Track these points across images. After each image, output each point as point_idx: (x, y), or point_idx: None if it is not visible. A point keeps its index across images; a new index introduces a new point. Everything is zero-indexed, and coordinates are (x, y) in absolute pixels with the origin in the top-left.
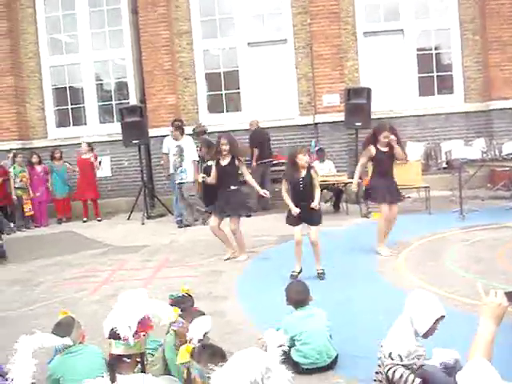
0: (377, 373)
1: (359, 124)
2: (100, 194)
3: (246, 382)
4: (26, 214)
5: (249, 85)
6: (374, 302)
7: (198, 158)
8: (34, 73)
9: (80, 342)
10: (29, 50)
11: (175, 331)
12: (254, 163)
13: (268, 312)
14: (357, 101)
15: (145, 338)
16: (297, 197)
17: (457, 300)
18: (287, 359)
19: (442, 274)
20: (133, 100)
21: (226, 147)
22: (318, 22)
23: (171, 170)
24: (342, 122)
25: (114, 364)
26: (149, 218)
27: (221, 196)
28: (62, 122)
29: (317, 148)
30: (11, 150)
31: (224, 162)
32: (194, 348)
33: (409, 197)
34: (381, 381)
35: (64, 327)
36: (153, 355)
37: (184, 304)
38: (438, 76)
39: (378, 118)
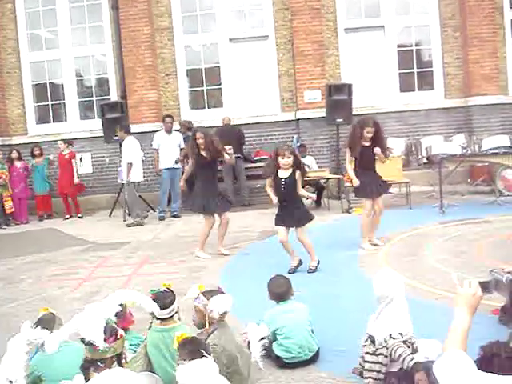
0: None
1: (340, 120)
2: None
3: None
4: (7, 212)
5: (230, 81)
6: (355, 296)
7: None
8: (14, 69)
9: None
10: (8, 46)
11: (195, 307)
12: None
13: (251, 307)
14: (338, 97)
15: (122, 339)
16: (279, 197)
17: (437, 294)
18: (269, 353)
19: (422, 268)
20: (114, 96)
21: (201, 141)
22: (299, 18)
23: (161, 166)
24: (323, 118)
25: (88, 368)
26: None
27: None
28: (42, 119)
29: (298, 144)
30: None
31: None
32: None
33: (390, 192)
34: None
35: (45, 324)
36: (135, 351)
37: (165, 299)
38: (418, 72)
39: (360, 114)
